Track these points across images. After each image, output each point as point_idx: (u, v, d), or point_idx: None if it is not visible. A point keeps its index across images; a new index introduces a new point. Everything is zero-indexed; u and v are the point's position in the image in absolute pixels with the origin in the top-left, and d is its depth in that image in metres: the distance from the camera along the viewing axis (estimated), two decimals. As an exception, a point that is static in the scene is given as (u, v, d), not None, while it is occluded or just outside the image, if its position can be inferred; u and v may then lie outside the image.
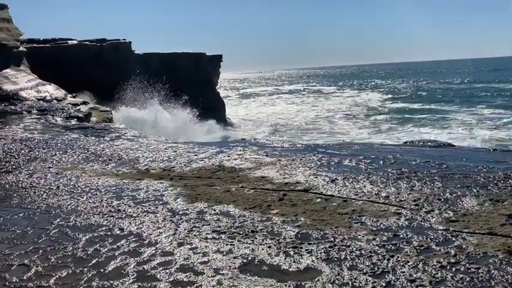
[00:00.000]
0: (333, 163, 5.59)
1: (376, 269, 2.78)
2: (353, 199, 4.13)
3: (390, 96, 56.40)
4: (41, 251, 3.36)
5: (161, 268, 2.96)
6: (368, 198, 4.13)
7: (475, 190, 4.14)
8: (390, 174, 4.83)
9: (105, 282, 2.81)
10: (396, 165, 5.28)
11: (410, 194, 4.16)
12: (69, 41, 32.65)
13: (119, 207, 4.32)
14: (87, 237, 3.58)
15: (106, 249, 3.33)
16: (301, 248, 3.14)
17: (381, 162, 5.46)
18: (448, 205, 3.80)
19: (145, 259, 3.11)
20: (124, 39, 34.85)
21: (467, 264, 2.74)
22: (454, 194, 4.05)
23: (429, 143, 7.37)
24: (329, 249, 3.09)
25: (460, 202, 3.85)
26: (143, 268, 2.98)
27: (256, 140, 8.33)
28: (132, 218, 3.97)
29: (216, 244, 3.29)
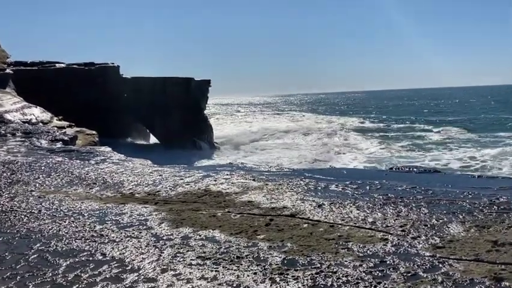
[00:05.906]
0: (320, 188, 5.57)
1: (363, 296, 2.73)
2: (340, 224, 4.10)
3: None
4: (18, 277, 3.25)
5: (143, 295, 2.88)
6: (355, 223, 4.11)
7: (460, 216, 4.14)
8: (376, 200, 4.82)
9: (84, 310, 2.72)
10: (383, 190, 5.28)
11: (396, 219, 4.15)
12: (57, 64, 32.62)
13: (102, 232, 4.22)
14: (68, 262, 3.48)
15: (87, 275, 3.23)
16: (287, 274, 3.09)
17: (367, 187, 5.46)
18: (434, 231, 3.79)
19: (127, 285, 3.02)
20: (113, 63, 34.97)
21: (455, 291, 2.72)
22: (440, 220, 4.05)
23: (415, 169, 7.41)
24: (316, 275, 3.04)
25: (446, 228, 3.84)
26: (125, 295, 2.89)
27: (243, 164, 8.30)
28: (115, 243, 3.88)
29: (200, 270, 3.22)
